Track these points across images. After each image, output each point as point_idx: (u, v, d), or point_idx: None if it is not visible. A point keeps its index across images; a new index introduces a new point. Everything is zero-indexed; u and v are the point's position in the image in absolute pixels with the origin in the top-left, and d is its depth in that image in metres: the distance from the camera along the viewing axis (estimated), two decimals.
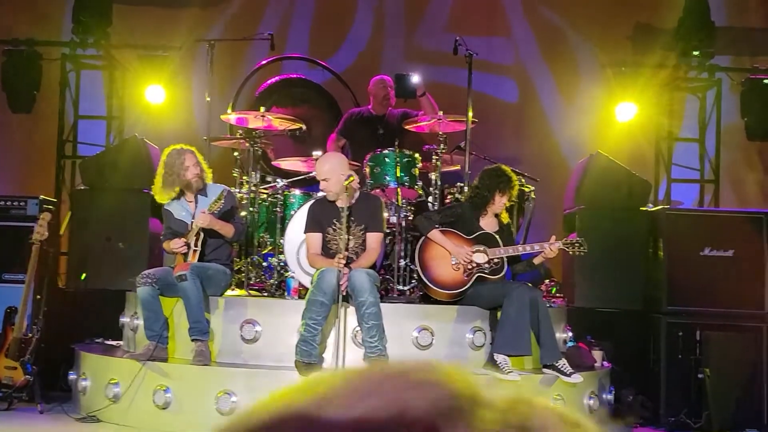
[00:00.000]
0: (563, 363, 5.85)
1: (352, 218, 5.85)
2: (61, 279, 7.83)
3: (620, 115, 8.87)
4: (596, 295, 7.29)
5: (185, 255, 6.01)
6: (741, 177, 9.37)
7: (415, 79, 7.55)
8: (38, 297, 6.78)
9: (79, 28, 8.98)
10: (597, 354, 6.70)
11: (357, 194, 5.96)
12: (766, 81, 8.61)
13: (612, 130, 9.03)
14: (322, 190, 5.86)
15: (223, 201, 5.89)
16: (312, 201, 6.22)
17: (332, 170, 5.77)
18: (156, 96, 8.89)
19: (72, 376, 6.55)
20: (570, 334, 6.74)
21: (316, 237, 5.91)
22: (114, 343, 6.92)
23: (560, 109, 9.57)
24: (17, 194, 7.53)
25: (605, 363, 6.70)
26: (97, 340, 6.97)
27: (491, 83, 9.48)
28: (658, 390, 6.70)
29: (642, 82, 8.85)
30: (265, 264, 6.74)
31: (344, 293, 5.49)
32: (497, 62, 9.62)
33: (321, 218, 5.90)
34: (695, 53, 8.81)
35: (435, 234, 6.06)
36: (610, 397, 6.52)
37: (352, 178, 5.73)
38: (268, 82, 8.49)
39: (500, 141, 9.34)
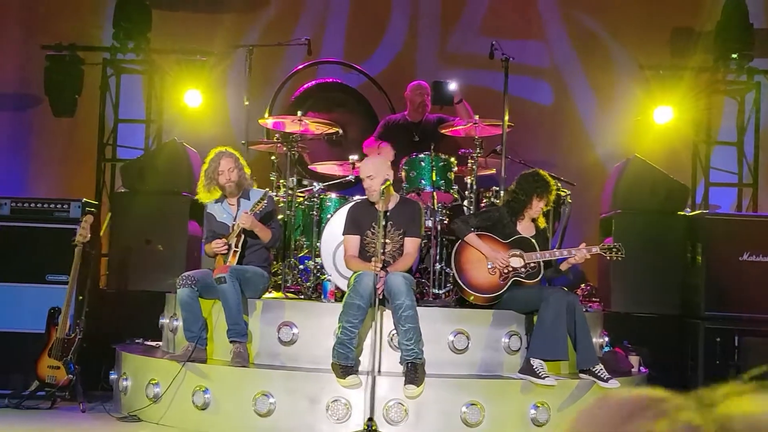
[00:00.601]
0: (600, 368, 5.83)
1: (391, 222, 5.89)
2: (101, 280, 7.94)
3: (658, 118, 8.84)
4: (633, 300, 7.28)
5: (225, 256, 6.09)
6: None
7: (452, 86, 7.59)
8: (80, 298, 6.89)
9: (119, 34, 9.14)
10: (634, 359, 6.68)
11: (397, 199, 6.01)
12: None
13: (649, 134, 9.00)
14: (366, 190, 5.90)
15: (265, 202, 5.97)
16: (352, 203, 6.28)
17: (377, 169, 5.82)
18: (194, 100, 9.03)
19: (113, 376, 6.65)
20: (606, 339, 6.73)
21: (354, 239, 5.95)
22: (153, 343, 7.02)
23: (595, 113, 9.55)
24: (59, 197, 7.66)
25: (642, 368, 6.68)
26: (137, 341, 7.08)
27: (526, 86, 9.48)
28: None
29: (680, 86, 8.81)
30: (301, 267, 6.80)
31: (381, 296, 5.53)
32: (532, 65, 9.63)
33: (360, 221, 5.95)
34: (734, 56, 8.75)
35: (471, 238, 6.08)
36: None
37: (388, 183, 5.76)
38: (304, 86, 8.57)
39: (535, 144, 9.33)
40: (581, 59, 9.64)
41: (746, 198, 9.08)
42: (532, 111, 9.53)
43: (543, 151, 9.37)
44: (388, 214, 5.84)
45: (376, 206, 5.77)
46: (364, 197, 6.11)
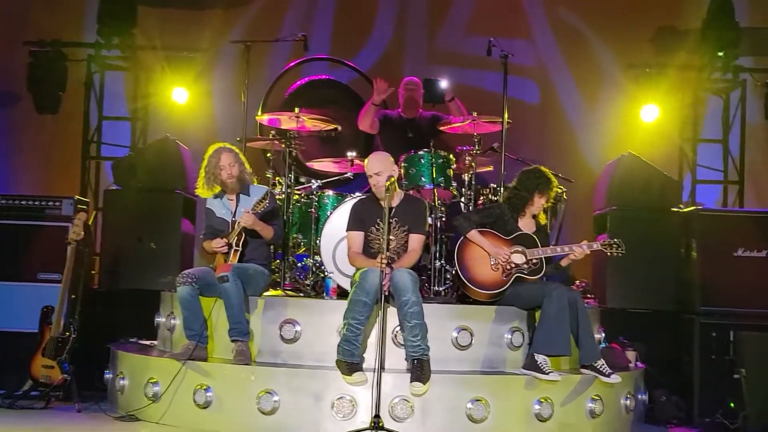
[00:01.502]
0: (602, 363, 5.87)
1: (396, 219, 5.88)
2: (93, 279, 7.83)
3: (645, 116, 8.92)
4: (628, 296, 7.34)
5: (226, 255, 6.03)
6: (765, 177, 9.39)
7: (444, 84, 7.60)
8: (73, 296, 6.79)
9: (104, 30, 9.04)
10: (630, 354, 6.74)
11: (401, 195, 6.00)
12: None
13: (636, 132, 9.07)
14: (372, 186, 5.88)
15: (267, 202, 5.93)
16: (356, 200, 6.25)
17: (383, 166, 5.82)
18: (181, 97, 8.95)
19: (108, 375, 6.57)
20: (603, 335, 6.77)
21: (359, 236, 5.93)
22: (148, 342, 6.95)
23: (582, 111, 9.58)
24: (46, 194, 7.54)
25: (639, 363, 6.74)
26: (131, 340, 6.99)
27: (512, 85, 9.41)
28: (692, 391, 6.73)
29: (666, 84, 8.89)
30: (300, 265, 6.76)
31: (386, 293, 5.51)
32: (519, 63, 9.65)
33: (364, 217, 5.93)
34: (720, 54, 8.84)
35: (473, 234, 6.09)
36: (645, 397, 6.55)
37: (393, 179, 5.75)
38: (297, 83, 8.53)
39: (522, 142, 9.34)
40: (567, 58, 9.68)
41: (731, 195, 9.18)
42: (519, 109, 9.51)
43: (530, 149, 9.37)
44: (392, 210, 5.82)
45: (382, 203, 5.74)
46: (367, 194, 6.08)
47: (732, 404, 6.42)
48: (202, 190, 6.26)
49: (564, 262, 6.22)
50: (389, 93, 7.51)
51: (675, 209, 7.49)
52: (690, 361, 6.81)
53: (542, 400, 5.70)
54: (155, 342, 6.88)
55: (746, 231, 6.86)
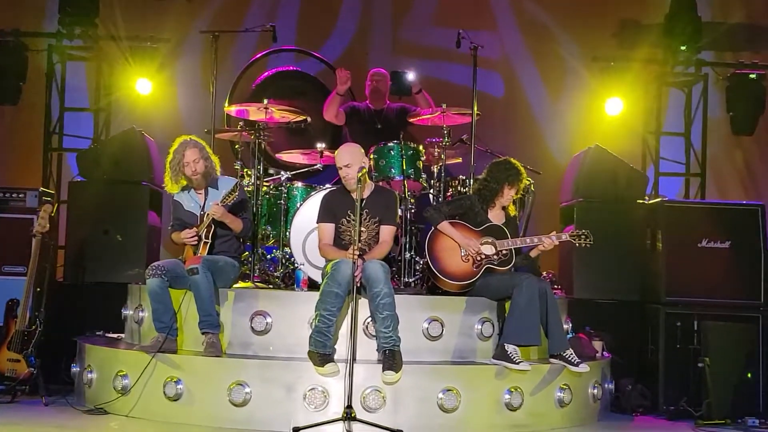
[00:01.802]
0: (570, 353, 5.94)
1: (367, 210, 5.88)
2: (57, 272, 7.73)
3: (609, 109, 9.02)
4: (594, 287, 7.44)
5: (195, 247, 5.99)
6: (725, 170, 9.56)
7: (411, 76, 7.63)
8: (38, 289, 6.69)
9: (65, 19, 8.90)
10: (597, 344, 6.82)
11: (372, 187, 6.00)
12: (752, 76, 8.79)
13: (600, 125, 9.17)
14: (342, 178, 5.87)
15: (237, 194, 5.89)
16: (327, 191, 6.24)
17: (353, 158, 5.82)
18: (145, 88, 8.86)
19: (75, 369, 6.49)
20: (569, 325, 6.85)
21: (329, 227, 5.93)
22: (115, 335, 6.88)
23: (547, 104, 9.67)
24: (9, 186, 7.43)
25: (605, 353, 6.82)
26: (97, 333, 6.92)
27: (477, 77, 9.52)
28: (657, 379, 6.82)
29: (630, 77, 9.00)
30: (269, 257, 6.74)
31: (358, 284, 5.51)
32: (483, 56, 9.67)
33: (335, 209, 5.93)
34: (682, 48, 8.96)
35: (444, 226, 6.12)
36: (611, 386, 6.64)
37: (364, 170, 5.75)
38: (264, 74, 8.48)
39: (487, 135, 9.36)
40: (532, 51, 9.75)
41: (693, 187, 9.33)
42: (484, 102, 9.52)
43: (496, 142, 9.40)
44: (363, 202, 5.83)
45: (353, 194, 5.74)
46: (338, 185, 6.08)
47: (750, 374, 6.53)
48: (169, 185, 6.19)
49: (533, 253, 6.28)
50: (349, 82, 7.51)
51: (641, 201, 7.59)
52: (655, 350, 6.91)
53: (512, 390, 5.76)
54: (122, 335, 6.81)
55: (710, 222, 6.95)
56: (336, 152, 5.98)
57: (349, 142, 6.10)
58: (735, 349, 6.59)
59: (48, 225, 6.54)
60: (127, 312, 6.66)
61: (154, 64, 8.90)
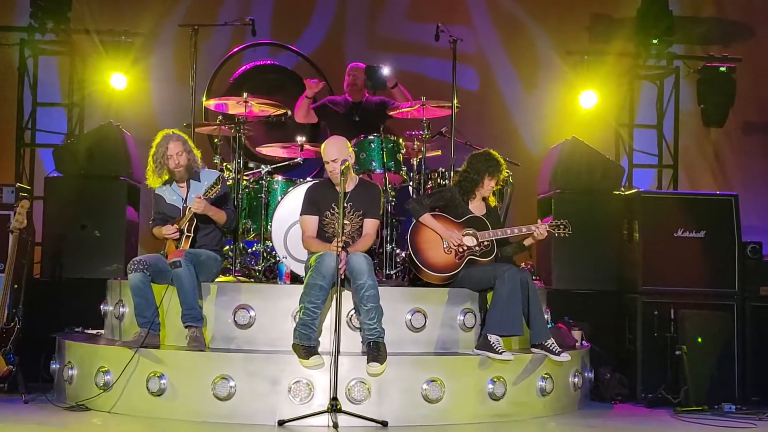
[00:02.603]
0: (552, 342, 6.00)
1: (351, 203, 5.90)
2: (34, 268, 7.65)
3: (583, 102, 9.11)
4: (572, 277, 7.52)
5: (177, 241, 5.97)
6: (697, 161, 9.70)
7: (386, 71, 7.63)
8: (16, 286, 6.63)
9: (37, 13, 8.80)
10: (576, 334, 6.90)
11: (356, 180, 6.02)
12: (722, 69, 8.92)
13: (574, 118, 9.25)
14: (330, 173, 5.88)
15: (219, 187, 5.88)
16: (310, 184, 6.25)
17: (339, 152, 5.83)
18: (118, 83, 8.79)
19: (54, 366, 6.44)
20: (548, 315, 6.91)
21: (313, 220, 5.93)
22: (94, 332, 6.83)
23: (521, 97, 9.73)
24: None
25: (584, 342, 6.90)
26: (76, 330, 6.86)
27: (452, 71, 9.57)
28: (635, 367, 6.92)
29: (603, 71, 9.09)
30: (250, 250, 6.73)
31: (343, 276, 5.53)
32: (458, 50, 9.71)
33: (319, 201, 5.94)
34: (654, 42, 9.08)
35: (426, 218, 6.15)
36: (591, 375, 6.73)
37: (347, 163, 5.77)
38: (242, 68, 8.46)
39: (463, 129, 9.41)
40: (506, 45, 9.80)
41: (665, 178, 9.46)
42: (458, 96, 9.59)
43: (471, 135, 9.46)
44: (348, 195, 5.84)
45: (337, 187, 5.75)
46: (321, 178, 6.08)
47: None
48: (151, 179, 6.15)
49: (527, 242, 6.33)
50: (320, 87, 7.53)
51: (617, 192, 7.68)
52: (633, 339, 7.01)
53: (495, 380, 5.81)
54: (101, 331, 6.77)
55: (685, 212, 7.07)
56: (322, 146, 5.98)
57: (336, 136, 6.09)
58: (711, 337, 6.71)
59: (25, 221, 6.47)
60: (107, 308, 6.62)
61: (128, 58, 8.83)
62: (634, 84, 9.54)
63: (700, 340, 6.58)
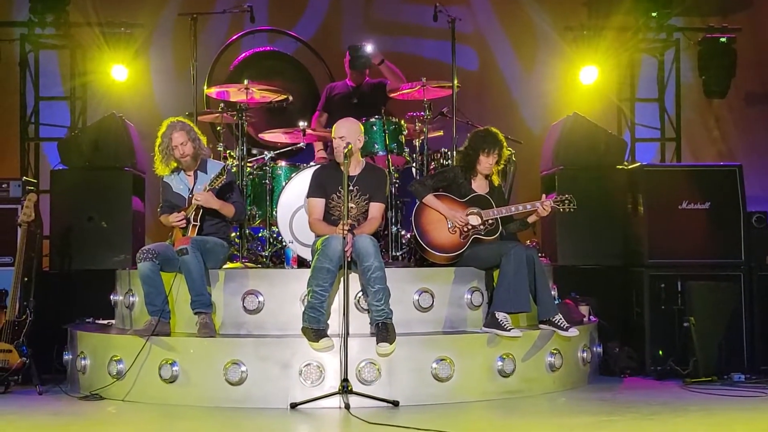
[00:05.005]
0: (559, 318, 6.03)
1: (357, 187, 5.94)
2: (43, 261, 7.70)
3: (584, 78, 9.11)
4: (578, 253, 7.52)
5: (184, 229, 6.01)
6: (699, 134, 9.69)
7: (369, 48, 7.63)
8: (26, 279, 6.67)
9: (36, 7, 8.83)
10: (584, 309, 6.93)
11: (363, 164, 6.04)
12: (722, 40, 8.90)
13: (575, 94, 9.26)
14: (335, 149, 5.90)
15: (224, 177, 5.90)
16: (318, 167, 6.28)
17: (349, 132, 5.87)
18: (120, 74, 8.83)
19: (67, 357, 6.50)
20: (555, 291, 6.93)
21: (319, 202, 5.96)
22: (105, 322, 6.89)
23: (521, 75, 9.73)
24: None
25: (592, 317, 6.93)
26: (87, 320, 6.92)
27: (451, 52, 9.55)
28: (644, 341, 6.95)
29: (603, 46, 9.09)
30: (257, 236, 6.77)
31: (349, 259, 5.56)
32: (456, 31, 9.69)
33: (326, 184, 5.97)
34: (653, 14, 9.06)
35: (430, 199, 6.18)
36: (599, 349, 6.76)
37: (350, 146, 5.79)
38: (241, 56, 8.48)
39: (463, 109, 9.42)
40: (504, 23, 9.79)
41: (668, 152, 9.46)
42: (458, 77, 9.62)
43: (471, 115, 9.46)
44: (354, 178, 5.87)
45: (342, 169, 5.77)
46: (329, 161, 6.10)
47: None
48: (160, 169, 6.20)
49: (531, 219, 6.36)
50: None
51: (620, 167, 7.68)
52: (640, 312, 7.02)
53: (504, 357, 5.85)
54: (112, 321, 6.82)
55: (690, 185, 7.06)
56: (337, 122, 6.00)
57: (350, 118, 6.09)
58: (719, 308, 6.73)
59: (33, 214, 6.53)
60: (117, 298, 6.68)
61: (129, 50, 8.87)
62: (634, 58, 9.53)
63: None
